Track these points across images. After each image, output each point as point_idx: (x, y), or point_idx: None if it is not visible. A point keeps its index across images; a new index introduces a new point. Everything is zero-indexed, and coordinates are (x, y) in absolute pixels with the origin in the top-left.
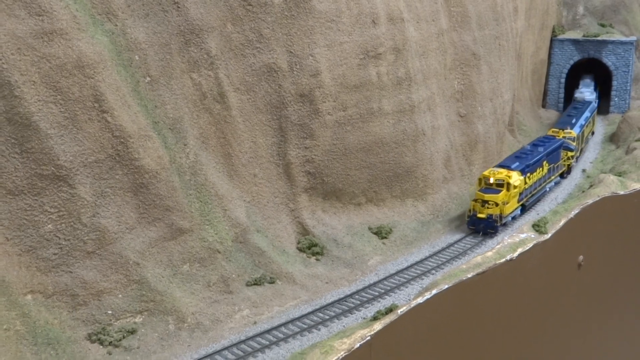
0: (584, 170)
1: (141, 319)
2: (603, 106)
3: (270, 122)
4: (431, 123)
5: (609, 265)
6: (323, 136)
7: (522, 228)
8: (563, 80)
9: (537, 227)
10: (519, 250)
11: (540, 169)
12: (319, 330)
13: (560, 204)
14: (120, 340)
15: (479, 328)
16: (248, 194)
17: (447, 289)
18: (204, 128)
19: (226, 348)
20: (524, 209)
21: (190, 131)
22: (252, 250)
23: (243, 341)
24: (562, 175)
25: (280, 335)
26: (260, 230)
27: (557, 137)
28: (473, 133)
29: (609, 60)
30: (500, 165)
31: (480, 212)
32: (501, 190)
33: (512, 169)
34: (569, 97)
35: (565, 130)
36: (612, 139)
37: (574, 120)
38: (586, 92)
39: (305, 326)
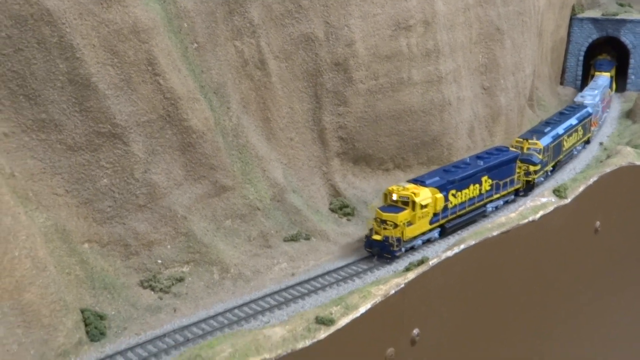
0: (601, 143)
1: (188, 268)
2: (620, 84)
3: (306, 89)
4: (457, 94)
5: (624, 232)
6: (355, 104)
7: (544, 193)
8: (581, 58)
9: (558, 192)
10: (541, 213)
11: (476, 185)
12: (354, 281)
13: (578, 173)
14: (169, 287)
15: (501, 283)
16: (285, 157)
17: (474, 244)
18: (245, 93)
19: (268, 295)
20: (444, 231)
21: (233, 95)
22: (288, 209)
23: (284, 289)
24: (518, 192)
25: (318, 285)
26: (295, 190)
27: (511, 150)
28: (496, 105)
29: (627, 38)
30: (415, 180)
31: (376, 233)
32: (404, 209)
33: (425, 185)
34: (586, 75)
35: (530, 141)
36: (629, 115)
37: (548, 129)
38: (588, 95)
39: (341, 277)
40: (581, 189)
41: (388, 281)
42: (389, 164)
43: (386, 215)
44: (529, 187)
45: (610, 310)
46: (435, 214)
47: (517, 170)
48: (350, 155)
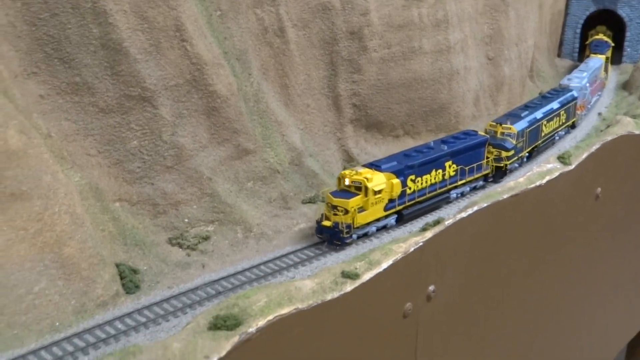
0: (599, 114)
1: (213, 227)
2: (616, 56)
3: (322, 56)
4: (464, 64)
5: (623, 199)
6: (369, 71)
7: (549, 159)
8: (578, 31)
9: (562, 159)
10: (547, 178)
11: (439, 170)
12: (371, 241)
13: (580, 141)
14: (196, 244)
15: (510, 244)
16: (302, 122)
17: (486, 207)
18: (265, 60)
19: (292, 252)
20: (401, 218)
21: (253, 62)
22: (306, 173)
23: (306, 247)
24: (487, 178)
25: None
26: (312, 155)
27: (480, 134)
28: (500, 75)
29: (623, 11)
30: (371, 164)
31: (327, 219)
32: (357, 195)
33: (380, 170)
34: (583, 48)
35: (504, 125)
36: (625, 86)
37: (525, 113)
38: (575, 78)
39: (359, 236)
40: (584, 156)
41: (407, 239)
42: (399, 130)
43: (337, 201)
44: (500, 174)
45: (610, 273)
46: (391, 200)
47: (489, 155)
48: (363, 121)
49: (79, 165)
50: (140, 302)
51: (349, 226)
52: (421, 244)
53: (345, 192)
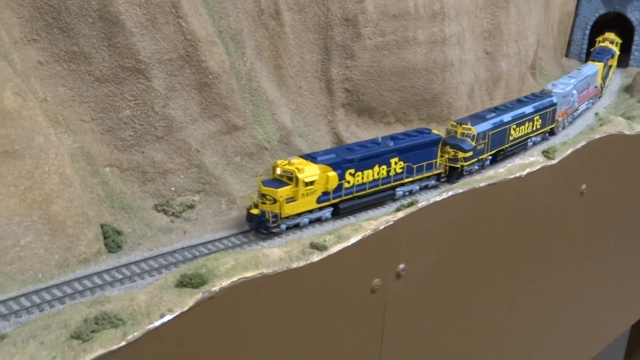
0: (596, 114)
1: (198, 197)
2: (623, 59)
3: (317, 41)
4: (459, 56)
5: (609, 198)
6: (362, 58)
7: (532, 153)
8: (587, 32)
9: (546, 153)
10: (527, 170)
11: (383, 166)
12: (349, 219)
13: (570, 138)
14: (181, 212)
15: (486, 232)
16: (293, 103)
17: (461, 192)
18: (260, 41)
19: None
20: (337, 212)
21: (248, 42)
22: (293, 151)
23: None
24: (440, 177)
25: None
26: (301, 135)
27: (433, 133)
28: (497, 70)
29: (632, 15)
30: (307, 155)
31: (255, 207)
32: (287, 185)
33: (315, 162)
34: (591, 49)
35: (464, 126)
36: (628, 89)
37: (491, 115)
38: (560, 84)
39: (338, 216)
40: (569, 152)
41: (379, 218)
42: (391, 117)
43: (266, 190)
44: (456, 175)
45: (594, 268)
46: (325, 193)
47: (445, 155)
48: (355, 106)
49: (72, 130)
50: (120, 261)
51: (275, 216)
52: (392, 222)
53: (277, 181)
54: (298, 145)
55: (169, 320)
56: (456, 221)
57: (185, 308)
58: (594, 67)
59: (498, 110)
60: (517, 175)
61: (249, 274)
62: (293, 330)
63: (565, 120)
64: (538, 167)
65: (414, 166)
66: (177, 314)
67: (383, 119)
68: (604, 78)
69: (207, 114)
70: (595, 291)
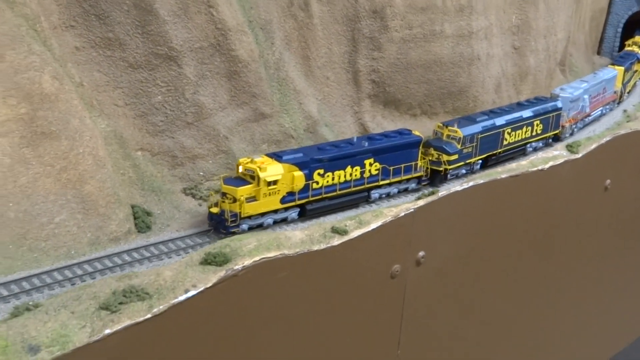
0: (624, 111)
1: None
2: None
3: (344, 32)
4: (486, 50)
5: (634, 194)
6: (389, 50)
7: (557, 146)
8: (620, 30)
9: (570, 147)
10: (550, 163)
11: (356, 167)
12: (371, 206)
13: (596, 134)
14: (208, 196)
15: (506, 223)
16: (320, 93)
17: (482, 183)
18: (289, 31)
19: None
20: (304, 212)
21: (277, 32)
22: (319, 140)
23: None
24: (421, 180)
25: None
26: (328, 125)
27: (414, 134)
28: (525, 65)
29: None
30: (273, 154)
31: (216, 206)
32: (249, 184)
33: (280, 160)
34: (622, 47)
35: (450, 128)
36: None
37: (482, 118)
38: (570, 88)
39: (360, 203)
40: (593, 146)
41: (400, 205)
42: (417, 109)
43: (226, 188)
44: (439, 178)
45: (615, 264)
46: (290, 193)
47: (429, 158)
48: (381, 98)
49: (106, 114)
50: (148, 241)
51: (235, 215)
52: (412, 210)
53: (239, 179)
54: (324, 135)
55: (193, 296)
56: (476, 211)
57: (209, 284)
58: (613, 71)
59: (492, 113)
60: (540, 168)
61: (271, 254)
62: (312, 310)
63: (574, 126)
64: (561, 160)
65: (391, 168)
66: (200, 289)
67: (409, 110)
68: (625, 83)
69: (236, 102)
70: (618, 287)
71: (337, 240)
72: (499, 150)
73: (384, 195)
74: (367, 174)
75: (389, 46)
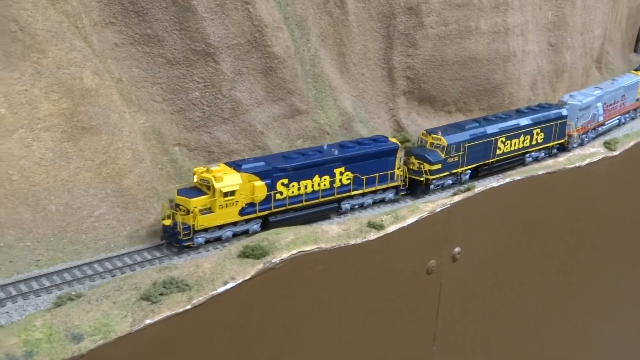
0: None
1: None
2: None
3: (380, 29)
4: (522, 47)
5: None
6: (424, 47)
7: (594, 144)
8: None
9: (608, 144)
10: (587, 160)
11: (325, 177)
12: (407, 202)
13: (633, 131)
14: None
15: (542, 219)
16: (355, 90)
17: (519, 179)
18: (324, 28)
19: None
20: (266, 224)
21: (312, 29)
22: (354, 136)
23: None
24: (399, 190)
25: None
26: (362, 121)
27: (390, 141)
28: (561, 62)
29: None
30: (233, 162)
31: (168, 217)
32: (204, 194)
33: (240, 170)
34: None
35: (434, 136)
36: None
37: (472, 125)
38: (580, 95)
39: (398, 198)
40: (631, 144)
41: (436, 201)
42: (452, 106)
43: (180, 199)
44: (421, 188)
45: None
46: (250, 204)
47: (410, 167)
48: (416, 94)
49: (145, 109)
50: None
51: (188, 228)
52: (449, 205)
53: (195, 190)
54: (359, 131)
55: (231, 288)
56: (513, 208)
57: (247, 277)
58: (635, 78)
59: (485, 120)
60: (577, 165)
61: (308, 247)
62: (348, 304)
63: (585, 135)
64: (599, 157)
65: (364, 177)
66: (239, 282)
67: (444, 107)
68: None
69: (272, 98)
70: None
71: (373, 235)
72: (491, 160)
73: (356, 207)
74: (337, 184)
75: (424, 43)
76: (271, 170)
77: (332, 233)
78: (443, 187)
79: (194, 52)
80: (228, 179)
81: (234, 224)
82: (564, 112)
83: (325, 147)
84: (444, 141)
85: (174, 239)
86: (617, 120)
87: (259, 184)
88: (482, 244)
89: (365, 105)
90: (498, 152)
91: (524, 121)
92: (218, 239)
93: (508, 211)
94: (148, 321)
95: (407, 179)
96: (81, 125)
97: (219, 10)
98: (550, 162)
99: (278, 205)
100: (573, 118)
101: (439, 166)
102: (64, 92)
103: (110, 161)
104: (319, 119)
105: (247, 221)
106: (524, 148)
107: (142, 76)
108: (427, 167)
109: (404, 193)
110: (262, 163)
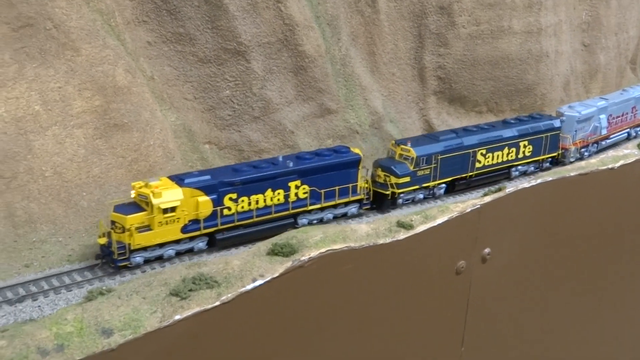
0: None
1: None
2: None
3: (411, 28)
4: (555, 47)
5: None
6: (456, 46)
7: (627, 145)
8: None
9: None
10: (621, 162)
11: (279, 191)
12: (436, 202)
13: None
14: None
15: (574, 221)
16: (385, 89)
17: (550, 180)
18: (355, 27)
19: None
20: (213, 242)
21: (344, 28)
22: (384, 136)
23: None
24: (363, 204)
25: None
26: (392, 121)
27: (352, 151)
28: (594, 63)
29: None
30: (175, 176)
31: (103, 236)
32: (142, 211)
33: (182, 184)
34: None
35: (403, 147)
36: None
37: (448, 137)
38: (580, 106)
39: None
40: None
41: (467, 201)
42: (483, 107)
43: (115, 216)
44: (387, 203)
45: None
46: (194, 221)
47: (376, 179)
48: (447, 94)
49: (176, 107)
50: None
51: (123, 247)
52: (479, 206)
53: (133, 206)
54: (389, 131)
55: (260, 285)
56: (544, 209)
57: (276, 274)
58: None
59: (465, 131)
60: (610, 167)
61: (337, 246)
62: (376, 303)
63: (585, 149)
64: (632, 159)
65: (322, 191)
66: (267, 279)
67: (475, 108)
68: None
69: (302, 97)
70: None
71: (402, 235)
72: (470, 174)
73: (314, 221)
74: (292, 198)
75: (456, 42)
76: (217, 184)
77: (361, 232)
78: (414, 202)
79: (225, 50)
80: (168, 195)
81: (177, 242)
82: (557, 123)
83: (280, 158)
84: (413, 153)
85: (110, 258)
86: (626, 134)
87: (204, 199)
88: (512, 245)
89: (395, 105)
90: (477, 165)
91: (508, 133)
92: (159, 258)
93: (539, 212)
94: (177, 317)
95: (372, 192)
96: (113, 122)
97: (251, 9)
98: (582, 163)
99: (225, 222)
100: (570, 130)
101: (406, 179)
102: (96, 90)
103: (141, 158)
104: (349, 119)
105: (191, 239)
106: (508, 161)
107: (173, 74)
108: (393, 180)
109: (367, 207)
110: (208, 177)
